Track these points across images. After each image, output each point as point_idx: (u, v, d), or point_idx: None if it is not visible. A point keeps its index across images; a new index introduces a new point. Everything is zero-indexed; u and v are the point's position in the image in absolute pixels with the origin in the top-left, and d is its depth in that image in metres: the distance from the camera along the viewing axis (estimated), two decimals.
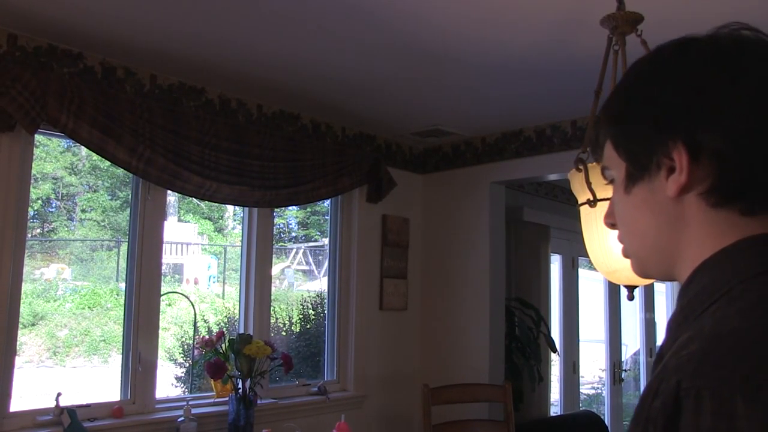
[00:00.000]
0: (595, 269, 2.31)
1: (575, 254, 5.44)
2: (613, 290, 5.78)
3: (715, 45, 0.72)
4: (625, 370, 6.02)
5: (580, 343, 5.47)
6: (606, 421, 5.31)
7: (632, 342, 6.59)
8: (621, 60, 2.07)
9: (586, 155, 1.95)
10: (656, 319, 6.47)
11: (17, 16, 2.49)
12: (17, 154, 2.65)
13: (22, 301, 2.71)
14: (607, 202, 1.91)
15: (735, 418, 0.55)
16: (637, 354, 6.55)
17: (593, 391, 6.75)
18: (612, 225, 0.84)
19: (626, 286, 2.01)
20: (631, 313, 6.27)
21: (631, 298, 2.00)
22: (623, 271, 1.98)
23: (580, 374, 5.54)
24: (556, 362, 5.24)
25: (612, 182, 0.82)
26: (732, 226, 0.69)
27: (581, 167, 1.91)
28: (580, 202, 2.03)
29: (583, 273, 5.68)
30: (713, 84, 0.69)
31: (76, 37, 2.68)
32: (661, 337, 5.79)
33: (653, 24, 2.13)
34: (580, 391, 5.62)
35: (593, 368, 6.46)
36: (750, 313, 0.62)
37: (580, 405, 5.56)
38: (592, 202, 1.92)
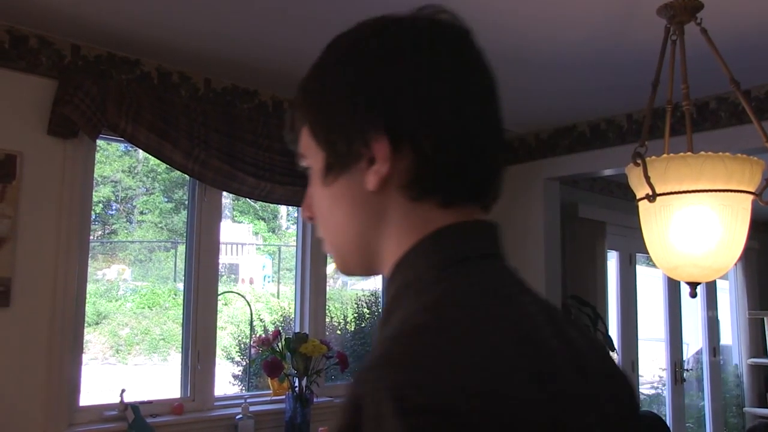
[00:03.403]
0: (653, 266, 2.26)
1: (632, 250, 5.32)
2: (672, 287, 5.62)
3: (419, 29, 0.68)
4: (687, 370, 5.85)
5: (639, 342, 5.35)
6: (668, 423, 5.18)
7: (694, 341, 6.40)
8: (680, 51, 2.02)
9: (644, 149, 1.91)
10: (719, 317, 6.27)
11: (80, 26, 2.57)
12: (81, 160, 2.73)
13: (86, 300, 2.81)
14: (670, 197, 1.86)
15: (385, 428, 0.49)
16: (699, 353, 6.36)
17: (653, 391, 6.59)
18: (310, 218, 0.78)
19: (688, 283, 1.96)
20: (693, 310, 6.10)
21: (693, 295, 1.95)
22: (685, 267, 1.93)
23: (640, 373, 5.41)
24: None
25: (308, 171, 0.76)
26: (429, 219, 0.66)
27: (639, 161, 1.87)
28: (638, 197, 1.99)
29: (640, 270, 5.55)
30: (417, 71, 0.65)
31: (133, 45, 2.76)
32: (725, 336, 5.58)
33: (714, 11, 2.07)
34: (640, 390, 5.50)
35: (653, 367, 6.31)
36: (428, 311, 0.59)
37: (640, 405, 5.43)
38: (652, 197, 1.88)
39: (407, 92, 0.64)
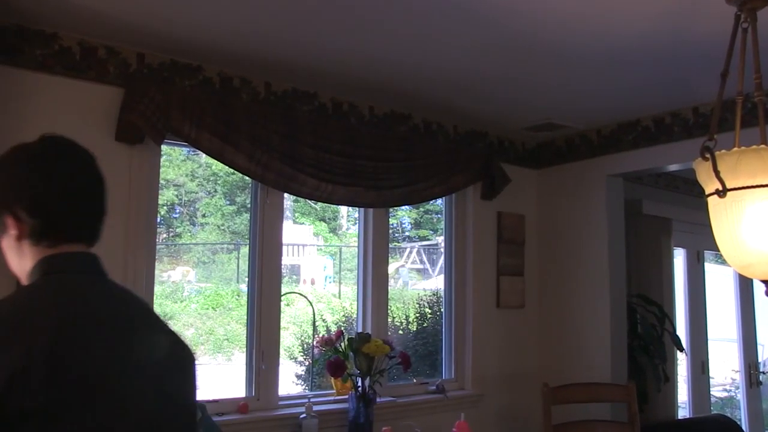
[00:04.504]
0: (723, 263, 2.18)
1: (700, 248, 5.15)
2: (744, 285, 5.42)
3: (29, 153, 1.26)
4: (763, 372, 5.62)
5: (709, 342, 5.17)
6: (744, 427, 4.99)
7: None
8: (751, 39, 1.94)
9: (713, 143, 1.84)
10: None
11: (144, 36, 2.64)
12: (147, 165, 2.81)
13: (154, 301, 2.88)
14: (742, 192, 1.79)
15: None
16: None
17: (725, 394, 6.36)
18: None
19: (763, 281, 1.89)
20: None
21: None
22: (758, 265, 1.86)
23: (710, 375, 5.23)
24: (682, 362, 4.98)
25: None
26: (43, 253, 1.22)
27: (708, 156, 1.81)
28: (707, 193, 1.92)
29: (709, 267, 5.37)
30: (23, 179, 1.23)
31: (195, 52, 2.82)
32: None
33: None
34: (711, 393, 5.31)
35: (725, 369, 6.09)
36: (16, 293, 1.20)
37: (711, 408, 5.25)
38: (722, 192, 1.81)
39: (17, 193, 1.22)
